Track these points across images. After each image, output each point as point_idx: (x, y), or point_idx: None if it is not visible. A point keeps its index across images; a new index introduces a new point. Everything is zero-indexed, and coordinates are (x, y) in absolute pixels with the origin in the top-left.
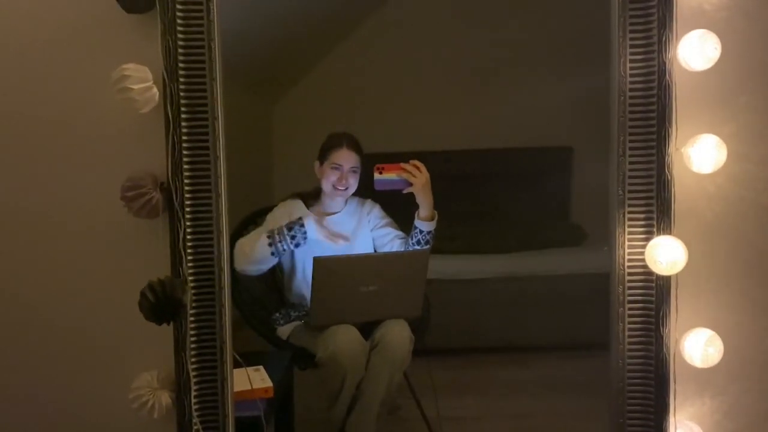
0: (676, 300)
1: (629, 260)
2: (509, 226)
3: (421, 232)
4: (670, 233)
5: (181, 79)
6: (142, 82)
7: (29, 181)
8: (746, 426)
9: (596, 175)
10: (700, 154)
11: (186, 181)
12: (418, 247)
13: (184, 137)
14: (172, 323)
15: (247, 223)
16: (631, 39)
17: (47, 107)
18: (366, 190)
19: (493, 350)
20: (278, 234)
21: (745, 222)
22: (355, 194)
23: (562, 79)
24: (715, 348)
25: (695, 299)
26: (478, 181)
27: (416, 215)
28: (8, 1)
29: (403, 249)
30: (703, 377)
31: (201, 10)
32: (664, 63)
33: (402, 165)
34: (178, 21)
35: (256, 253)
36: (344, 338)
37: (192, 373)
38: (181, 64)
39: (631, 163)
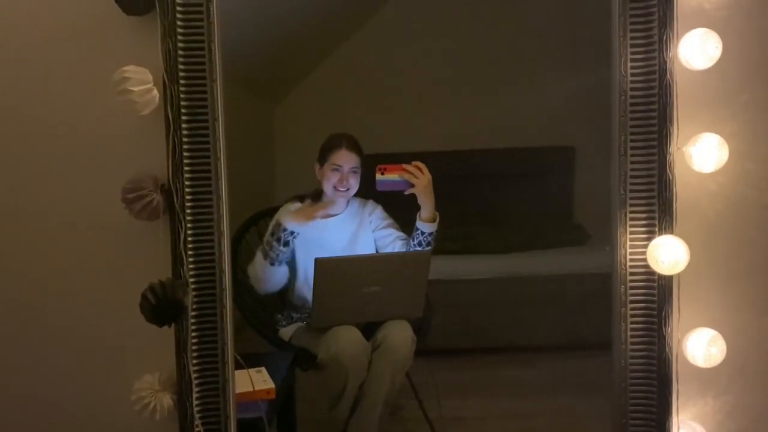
0: (678, 300)
1: (631, 260)
2: (512, 226)
3: (422, 233)
4: (671, 233)
5: (182, 81)
6: (143, 84)
7: (30, 183)
8: (749, 426)
9: (599, 174)
10: (702, 153)
11: (186, 182)
12: (419, 249)
13: (185, 139)
14: (173, 325)
15: (249, 224)
16: (632, 38)
17: (48, 109)
18: (368, 191)
19: (496, 350)
20: (266, 245)
21: (747, 221)
22: (356, 195)
23: (563, 78)
24: (718, 348)
25: (697, 299)
26: (480, 182)
27: (418, 216)
28: (8, 3)
29: (404, 250)
30: (706, 377)
31: (201, 12)
32: (665, 62)
33: (404, 166)
34: (178, 23)
35: (261, 272)
36: (346, 339)
37: (193, 375)
38: (181, 66)
39: (632, 162)
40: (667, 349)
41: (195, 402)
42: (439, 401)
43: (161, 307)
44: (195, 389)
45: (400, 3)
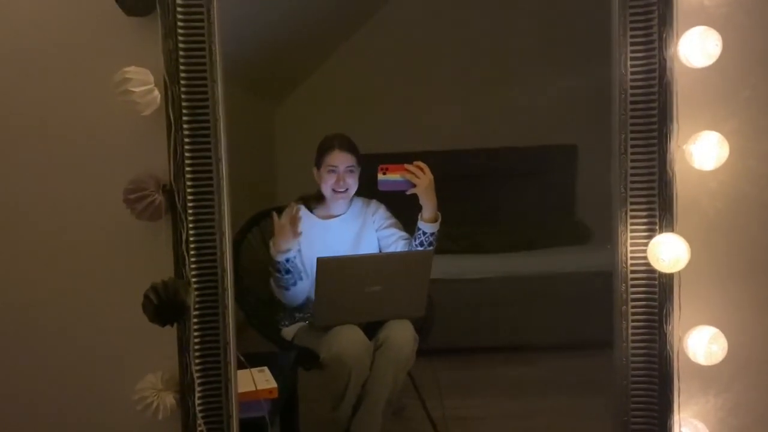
0: (679, 297)
1: (632, 258)
2: (514, 225)
3: (424, 233)
4: (672, 231)
5: (183, 82)
6: (144, 84)
7: (32, 184)
8: (751, 423)
9: (601, 172)
10: (702, 151)
11: (188, 183)
12: (421, 249)
13: (186, 139)
14: (175, 325)
15: (251, 224)
16: (632, 36)
17: (49, 111)
18: (371, 192)
19: (498, 349)
20: (273, 279)
21: (748, 219)
22: (360, 195)
23: (565, 77)
24: (719, 345)
25: (698, 296)
26: (482, 181)
27: (420, 217)
28: (10, 4)
29: (407, 250)
30: (708, 375)
31: (201, 13)
32: (665, 60)
33: (405, 166)
34: (179, 24)
35: (281, 296)
36: (348, 339)
37: (196, 375)
38: (182, 67)
39: (632, 161)
40: (668, 347)
41: (197, 401)
42: (441, 400)
43: (163, 306)
44: (197, 389)
45: (401, 3)
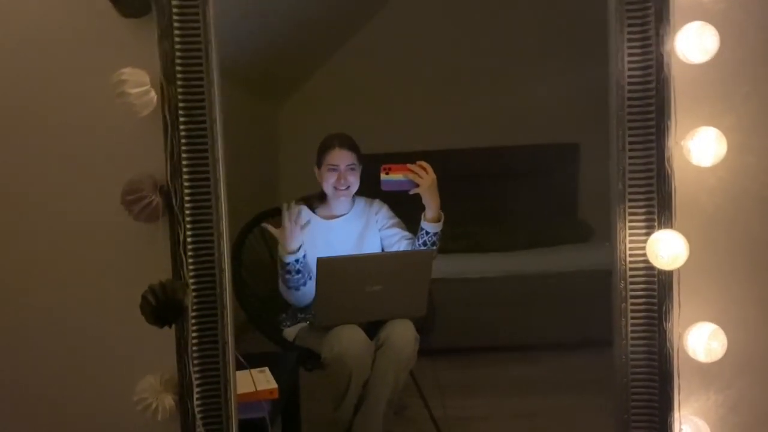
0: (679, 294)
1: (631, 255)
2: (516, 224)
3: (427, 233)
4: (671, 227)
5: (179, 83)
6: (140, 86)
7: (29, 186)
8: (752, 420)
9: (603, 170)
10: (700, 147)
11: (185, 183)
12: (424, 249)
13: (183, 140)
14: (174, 326)
15: (252, 225)
16: (629, 33)
17: (46, 113)
18: (374, 191)
19: (500, 349)
20: (282, 280)
21: (747, 214)
22: (363, 195)
23: (566, 75)
24: (719, 342)
25: (698, 293)
26: (484, 180)
27: (423, 216)
28: (5, 6)
29: (409, 249)
30: (708, 372)
31: (197, 14)
32: (662, 56)
33: (408, 166)
34: (175, 24)
35: (290, 297)
36: (349, 338)
37: (194, 376)
38: (178, 68)
39: (630, 157)
40: (668, 344)
41: (196, 402)
42: (443, 400)
43: (161, 308)
44: (196, 390)
45: (402, 3)
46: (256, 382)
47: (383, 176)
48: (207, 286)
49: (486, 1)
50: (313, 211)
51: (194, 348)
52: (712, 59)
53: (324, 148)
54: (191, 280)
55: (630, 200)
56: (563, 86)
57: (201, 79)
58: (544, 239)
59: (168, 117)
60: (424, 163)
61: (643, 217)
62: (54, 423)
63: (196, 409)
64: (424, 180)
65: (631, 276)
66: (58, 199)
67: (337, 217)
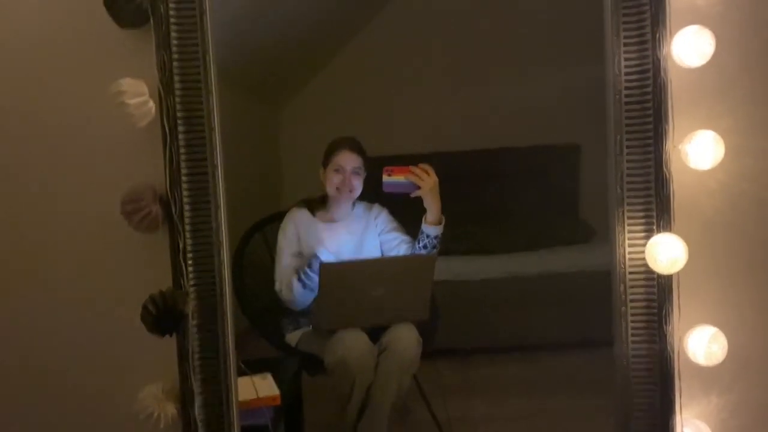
0: (679, 297)
1: (630, 258)
2: (517, 225)
3: (428, 236)
4: (670, 231)
5: (177, 92)
6: (139, 96)
7: (29, 196)
8: (754, 423)
9: (604, 172)
10: (698, 150)
11: (185, 192)
12: (424, 252)
13: (182, 150)
14: (175, 335)
15: (253, 231)
16: (625, 37)
17: (44, 123)
18: (374, 195)
19: (503, 351)
20: (303, 275)
21: (746, 217)
22: (362, 199)
23: (567, 76)
24: (719, 345)
25: (698, 296)
26: (484, 181)
27: (423, 219)
28: (3, 18)
29: (410, 253)
30: (709, 375)
31: (195, 24)
32: (659, 60)
33: (410, 168)
34: (173, 35)
35: (300, 297)
36: (352, 343)
37: (196, 384)
38: (176, 78)
39: (628, 161)
40: (668, 348)
41: (198, 411)
42: (446, 403)
43: (162, 317)
44: (198, 398)
45: (402, 4)
46: (259, 388)
47: (385, 177)
48: (207, 295)
49: (486, 2)
50: (313, 215)
51: (196, 356)
52: (709, 62)
53: (332, 149)
54: (191, 289)
55: (628, 204)
56: (564, 87)
57: (199, 88)
58: (545, 240)
59: (167, 127)
60: (426, 166)
61: (641, 221)
62: None
63: (198, 418)
64: (425, 182)
65: (631, 279)
66: (58, 209)
67: (337, 221)
